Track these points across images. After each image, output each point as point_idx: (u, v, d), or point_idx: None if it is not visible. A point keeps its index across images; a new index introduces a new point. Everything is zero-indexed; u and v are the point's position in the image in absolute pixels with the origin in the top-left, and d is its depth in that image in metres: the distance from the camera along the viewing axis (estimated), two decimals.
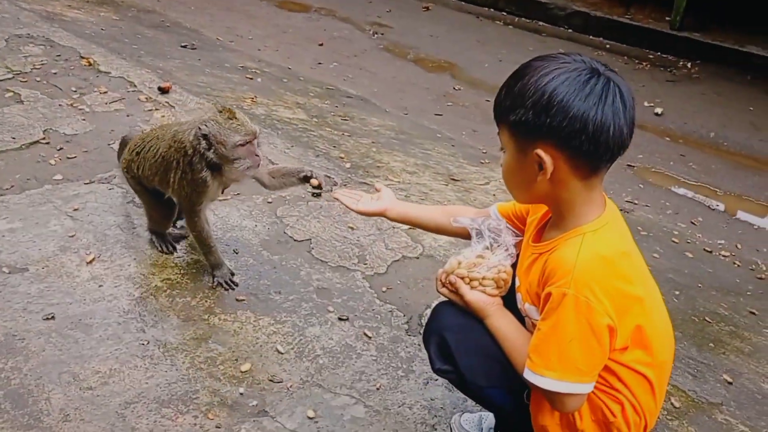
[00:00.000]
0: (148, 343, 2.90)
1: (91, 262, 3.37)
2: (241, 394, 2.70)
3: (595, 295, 1.88)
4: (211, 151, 3.03)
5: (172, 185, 3.18)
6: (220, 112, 3.05)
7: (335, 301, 3.24)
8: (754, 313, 3.69)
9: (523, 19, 9.60)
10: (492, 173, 5.02)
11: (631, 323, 1.95)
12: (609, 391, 2.04)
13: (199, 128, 3.02)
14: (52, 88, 5.14)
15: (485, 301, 2.20)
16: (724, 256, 4.54)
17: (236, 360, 2.84)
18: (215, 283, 3.21)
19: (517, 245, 2.27)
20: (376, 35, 8.68)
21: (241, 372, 2.80)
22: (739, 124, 6.82)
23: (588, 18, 9.03)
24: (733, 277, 4.15)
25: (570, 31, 9.19)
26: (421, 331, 2.44)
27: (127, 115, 4.86)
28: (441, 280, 2.27)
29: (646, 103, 7.00)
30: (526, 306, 2.14)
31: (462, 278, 2.22)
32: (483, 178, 4.98)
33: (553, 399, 2.01)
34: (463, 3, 10.09)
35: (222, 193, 3.41)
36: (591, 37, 9.05)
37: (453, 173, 4.89)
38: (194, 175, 3.08)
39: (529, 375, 1.99)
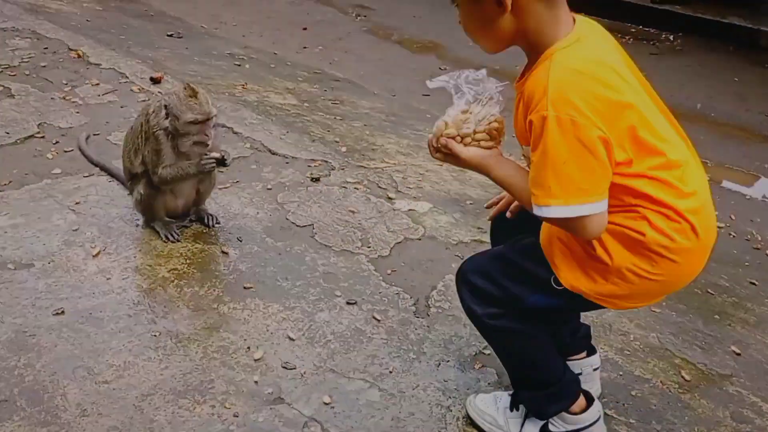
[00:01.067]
0: (159, 334, 2.88)
1: (97, 255, 3.34)
2: (256, 382, 2.68)
3: (577, 109, 1.81)
4: (167, 120, 3.21)
5: (138, 147, 3.36)
6: (185, 88, 3.19)
7: (342, 285, 3.23)
8: (754, 284, 3.71)
9: None
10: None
11: (623, 127, 1.87)
12: (626, 211, 1.95)
13: (164, 99, 3.22)
14: (43, 81, 5.08)
15: (483, 155, 2.09)
16: (719, 227, 4.54)
17: (248, 348, 2.82)
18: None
19: (502, 93, 2.16)
20: (359, 17, 8.64)
21: (254, 360, 2.78)
22: (725, 95, 6.84)
23: None
24: (730, 249, 4.18)
25: None
26: (429, 312, 2.60)
27: (121, 107, 4.81)
28: (433, 146, 2.15)
29: None
30: (524, 149, 2.08)
31: (452, 138, 2.09)
32: None
33: (570, 227, 1.94)
34: None
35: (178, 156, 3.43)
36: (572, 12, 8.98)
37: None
38: (150, 130, 3.26)
39: (536, 210, 1.92)
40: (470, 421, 2.51)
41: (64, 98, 4.84)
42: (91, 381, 2.66)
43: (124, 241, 3.45)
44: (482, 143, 2.09)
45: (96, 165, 4.02)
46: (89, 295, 3.08)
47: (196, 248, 3.44)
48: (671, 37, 8.33)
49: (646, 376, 2.86)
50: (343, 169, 4.25)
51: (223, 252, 3.41)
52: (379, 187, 4.09)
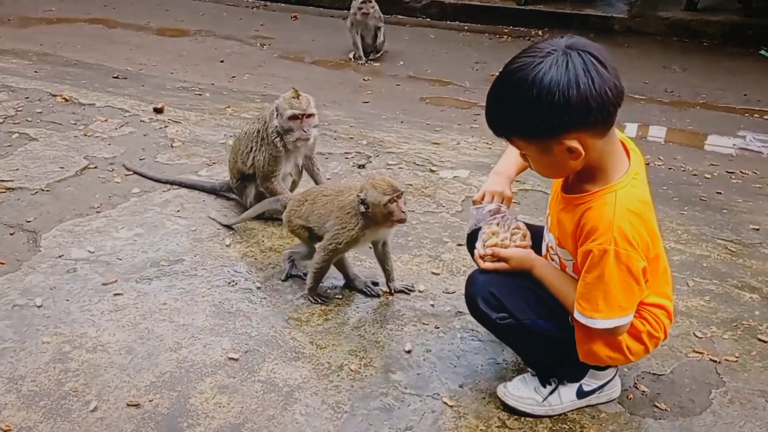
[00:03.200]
0: (333, 287, 3.45)
1: (229, 245, 3.82)
2: (432, 305, 3.33)
3: (632, 246, 2.15)
4: (276, 119, 3.76)
5: (254, 154, 3.87)
6: (292, 90, 3.80)
7: (443, 234, 3.93)
8: (720, 193, 4.76)
9: (383, 15, 10.43)
10: (453, 136, 5.81)
11: (654, 253, 2.30)
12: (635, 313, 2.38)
13: (276, 102, 3.78)
14: (51, 124, 5.35)
15: (527, 253, 2.51)
16: (658, 164, 5.66)
17: (414, 283, 3.46)
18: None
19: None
20: (264, 47, 9.21)
21: (420, 291, 3.43)
22: None
23: (443, 6, 10.08)
24: (679, 177, 5.24)
25: (428, 19, 10.17)
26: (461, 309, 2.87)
27: (144, 135, 5.20)
28: (482, 257, 2.55)
29: None
30: (558, 249, 2.46)
31: (495, 245, 2.53)
32: (451, 141, 5.76)
33: (605, 332, 2.34)
34: (322, 9, 10.81)
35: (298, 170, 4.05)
36: (448, 22, 10.09)
37: (432, 139, 5.65)
38: (269, 138, 3.80)
39: (580, 318, 2.30)
40: (509, 408, 2.73)
41: (85, 135, 5.15)
42: (306, 325, 3.21)
43: (243, 232, 3.94)
44: (518, 242, 2.56)
45: (166, 182, 4.43)
46: (249, 272, 3.59)
47: None
48: (540, 33, 9.59)
49: (705, 253, 3.79)
50: (377, 156, 4.92)
51: None
52: (416, 164, 4.82)
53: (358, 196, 3.14)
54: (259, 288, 3.44)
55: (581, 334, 2.45)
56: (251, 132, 3.94)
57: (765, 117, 6.97)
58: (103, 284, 3.43)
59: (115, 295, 3.35)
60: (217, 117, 5.68)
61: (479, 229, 2.70)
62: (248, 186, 4.00)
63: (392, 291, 3.42)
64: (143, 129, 5.29)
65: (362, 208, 3.12)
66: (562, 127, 2.10)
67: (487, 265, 2.56)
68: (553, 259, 2.57)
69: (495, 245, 2.57)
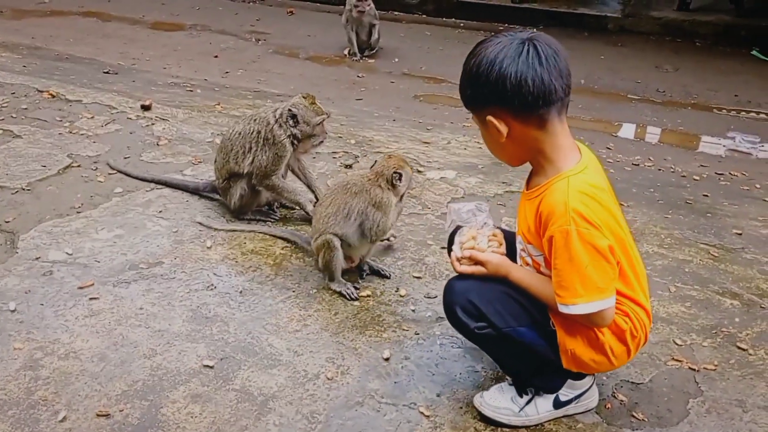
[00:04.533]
0: (316, 291, 3.38)
1: (210, 247, 3.74)
2: (413, 310, 3.26)
3: (592, 224, 2.17)
4: (297, 127, 3.72)
5: (254, 154, 3.82)
6: (305, 98, 3.77)
7: (427, 236, 3.85)
8: (706, 195, 4.69)
9: (379, 11, 10.32)
10: (444, 135, 5.73)
11: (617, 241, 2.27)
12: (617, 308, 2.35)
13: (290, 109, 3.73)
14: (37, 121, 5.26)
15: (503, 259, 2.48)
16: (648, 166, 5.57)
17: (397, 289, 3.39)
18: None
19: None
20: (260, 42, 9.12)
21: (401, 296, 3.36)
22: (600, 70, 8.02)
23: (439, 2, 9.97)
24: (668, 178, 5.17)
25: (424, 16, 10.07)
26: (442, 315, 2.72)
27: (130, 132, 5.11)
28: (458, 260, 2.53)
29: None
30: (528, 246, 2.44)
31: (472, 249, 2.52)
32: (442, 140, 5.68)
33: (590, 320, 2.29)
34: (319, 4, 10.70)
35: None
36: (444, 19, 9.99)
37: (423, 138, 5.57)
38: (275, 140, 3.77)
39: (563, 308, 2.27)
40: (486, 419, 2.65)
41: (70, 132, 5.06)
42: (284, 331, 3.13)
43: (226, 233, 3.86)
44: (495, 250, 2.52)
45: (151, 181, 4.35)
46: (229, 275, 3.51)
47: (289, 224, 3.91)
48: (535, 30, 9.44)
49: (687, 258, 3.71)
50: (365, 156, 4.84)
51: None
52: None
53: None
54: (238, 292, 3.36)
55: (564, 335, 2.41)
56: (248, 132, 3.85)
57: (755, 118, 6.88)
58: (79, 288, 3.34)
59: (91, 299, 3.27)
60: (206, 114, 5.59)
61: (457, 228, 2.66)
62: (233, 186, 3.93)
63: (367, 271, 3.52)
64: (130, 126, 5.20)
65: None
66: (483, 98, 2.25)
67: (464, 268, 2.52)
68: (528, 264, 2.51)
69: (472, 248, 2.52)
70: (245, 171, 3.87)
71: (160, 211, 4.04)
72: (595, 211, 2.20)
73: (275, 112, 3.81)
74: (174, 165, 4.62)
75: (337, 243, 3.29)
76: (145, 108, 5.49)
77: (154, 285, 3.40)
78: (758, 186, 5.20)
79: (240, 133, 3.88)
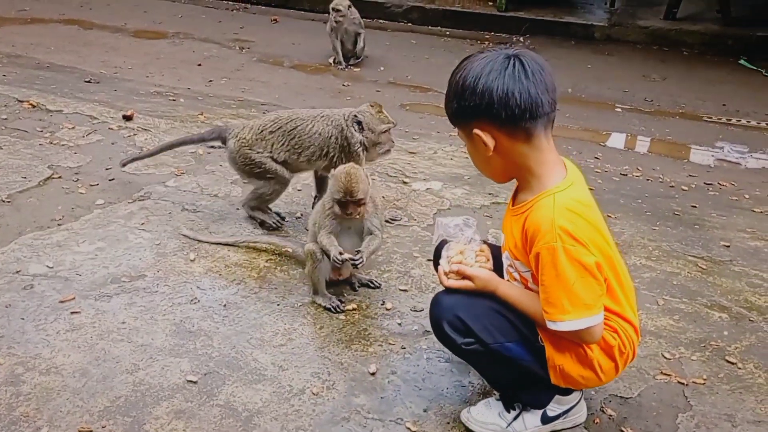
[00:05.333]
0: (300, 305, 3.39)
1: (194, 260, 3.74)
2: (399, 324, 3.27)
3: (578, 242, 2.19)
4: (362, 134, 3.78)
5: (330, 159, 3.81)
6: (372, 106, 3.84)
7: (413, 249, 3.87)
8: (695, 206, 4.73)
9: (364, 19, 10.35)
10: (430, 144, 5.76)
11: (604, 258, 2.28)
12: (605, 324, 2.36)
13: (355, 115, 3.83)
14: (17, 131, 5.25)
15: (489, 275, 2.49)
16: (636, 176, 5.62)
17: (383, 302, 3.40)
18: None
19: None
20: (243, 50, 9.12)
21: (387, 309, 3.37)
22: (587, 79, 8.09)
23: (425, 11, 10.02)
24: (656, 189, 5.21)
25: (410, 24, 10.12)
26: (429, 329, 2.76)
27: (112, 143, 5.11)
28: (446, 275, 2.53)
29: None
30: (515, 262, 2.45)
31: (461, 263, 2.52)
32: (428, 150, 5.71)
33: (579, 336, 2.31)
34: (303, 12, 10.73)
35: None
36: (430, 27, 10.04)
37: (409, 147, 5.59)
38: (351, 148, 3.83)
39: (551, 325, 2.28)
40: None
41: (51, 143, 5.06)
42: (269, 345, 3.13)
43: (207, 246, 3.86)
44: (482, 265, 2.52)
45: (159, 151, 4.30)
46: (212, 288, 3.51)
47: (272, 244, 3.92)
48: (521, 39, 9.55)
49: (676, 271, 3.74)
50: None
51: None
52: (389, 175, 4.76)
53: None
54: (222, 306, 3.36)
55: (553, 351, 2.42)
56: (327, 136, 3.87)
57: (743, 127, 6.95)
58: (61, 302, 3.34)
59: (73, 313, 3.27)
60: (188, 125, 5.60)
61: (443, 242, 2.67)
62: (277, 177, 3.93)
63: (356, 285, 3.52)
64: (111, 137, 5.20)
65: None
66: (470, 112, 2.28)
67: (451, 282, 2.52)
68: (515, 279, 2.53)
69: (460, 263, 2.53)
70: (312, 170, 3.98)
71: (143, 223, 4.04)
72: (581, 228, 2.23)
73: (345, 118, 3.85)
74: (156, 176, 4.62)
75: (320, 255, 3.30)
76: (127, 118, 5.49)
77: (136, 298, 3.40)
78: (747, 196, 5.25)
79: (319, 134, 3.88)
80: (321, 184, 4.06)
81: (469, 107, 2.28)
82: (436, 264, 2.72)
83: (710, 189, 5.43)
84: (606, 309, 2.35)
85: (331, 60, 8.59)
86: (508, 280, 2.56)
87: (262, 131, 3.90)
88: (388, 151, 3.98)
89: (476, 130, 2.30)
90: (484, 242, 2.69)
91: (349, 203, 3.18)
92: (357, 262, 3.22)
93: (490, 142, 2.29)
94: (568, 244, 2.19)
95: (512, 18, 9.60)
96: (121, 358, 3.00)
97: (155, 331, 3.19)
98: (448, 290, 2.55)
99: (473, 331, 2.46)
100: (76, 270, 3.58)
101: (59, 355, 3.00)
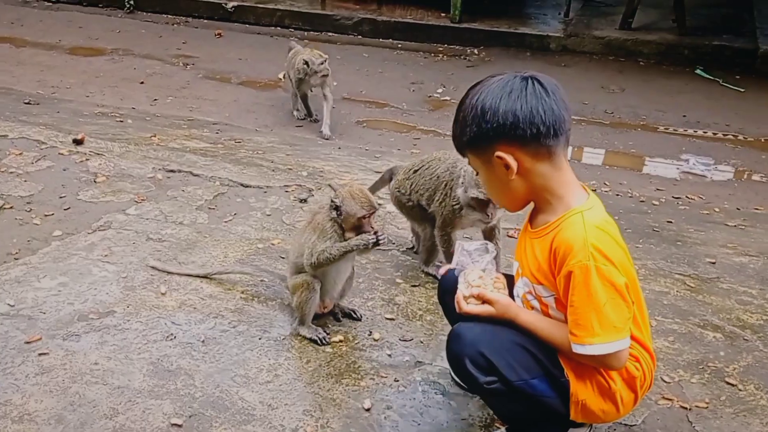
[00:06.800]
0: (282, 338, 3.36)
1: (165, 293, 3.67)
2: (389, 355, 3.26)
3: (610, 261, 2.20)
4: (460, 189, 3.54)
5: (438, 202, 3.70)
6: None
7: (395, 273, 3.88)
8: (671, 222, 4.84)
9: (312, 32, 10.38)
10: (394, 162, 5.71)
11: (630, 280, 2.30)
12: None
13: (459, 168, 3.57)
14: None
15: (509, 301, 2.48)
16: (605, 191, 5.73)
17: (370, 332, 3.39)
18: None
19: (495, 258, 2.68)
20: (188, 66, 9.03)
21: (375, 340, 3.36)
22: None
23: (376, 23, 10.07)
24: (627, 204, 5.32)
25: (360, 37, 10.16)
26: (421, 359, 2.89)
27: (63, 169, 4.99)
28: (465, 299, 2.49)
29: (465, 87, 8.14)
30: (536, 287, 2.43)
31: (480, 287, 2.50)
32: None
33: (605, 362, 2.30)
34: (248, 25, 10.67)
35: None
36: (381, 40, 10.09)
37: (374, 167, 5.60)
38: (452, 200, 3.61)
39: (577, 348, 2.27)
40: None
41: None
42: (255, 383, 3.08)
43: (179, 278, 3.79)
44: (500, 291, 2.50)
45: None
46: (188, 323, 3.44)
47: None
48: (476, 51, 9.67)
49: (664, 290, 3.82)
50: (320, 188, 4.83)
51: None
52: None
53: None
54: (201, 342, 3.30)
55: (577, 384, 2.40)
56: (444, 177, 3.71)
57: (706, 138, 7.15)
58: (26, 342, 3.23)
59: (41, 354, 3.16)
60: (144, 148, 5.50)
61: (454, 269, 2.66)
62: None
63: (339, 316, 3.50)
64: (62, 163, 5.08)
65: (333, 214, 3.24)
66: (491, 135, 2.28)
67: (471, 308, 2.48)
68: (532, 308, 2.51)
69: (480, 286, 2.50)
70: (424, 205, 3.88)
71: (106, 255, 3.94)
72: (611, 247, 2.25)
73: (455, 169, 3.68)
74: (115, 204, 4.53)
75: (317, 285, 3.27)
76: (78, 142, 5.37)
77: (107, 337, 3.31)
78: (717, 209, 5.40)
79: (430, 170, 3.84)
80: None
81: (491, 129, 2.28)
82: (446, 289, 2.71)
83: (680, 202, 5.56)
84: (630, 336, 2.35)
85: (295, 114, 7.45)
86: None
87: (409, 170, 3.91)
88: (482, 221, 3.62)
89: (499, 153, 2.30)
90: (500, 273, 2.66)
91: (374, 214, 3.21)
92: (381, 238, 3.22)
93: (514, 163, 2.30)
94: (600, 263, 2.21)
95: (466, 29, 9.72)
96: (97, 402, 2.92)
97: (131, 371, 3.10)
98: (467, 323, 2.50)
99: (497, 368, 2.40)
100: (39, 308, 3.48)
101: (31, 401, 2.90)
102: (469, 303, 2.49)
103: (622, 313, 2.26)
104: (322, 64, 6.85)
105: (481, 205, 3.44)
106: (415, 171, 3.84)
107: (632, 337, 2.37)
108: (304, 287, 3.29)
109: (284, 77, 7.41)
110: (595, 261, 2.21)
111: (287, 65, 7.36)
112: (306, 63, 6.84)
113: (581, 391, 2.41)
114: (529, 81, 2.29)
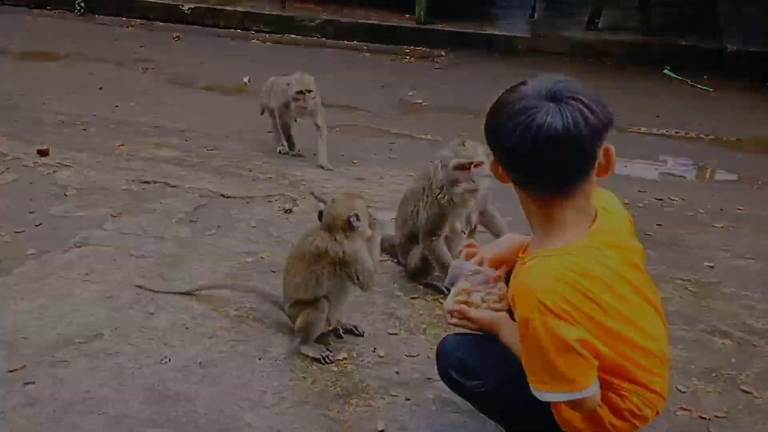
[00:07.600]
0: (283, 357, 3.26)
1: (154, 313, 3.54)
2: (397, 372, 3.18)
3: (556, 315, 2.06)
4: (440, 172, 3.60)
5: (418, 212, 3.74)
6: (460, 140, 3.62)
7: (393, 285, 3.87)
8: (660, 225, 4.84)
9: (274, 34, 10.24)
10: (374, 168, 5.70)
11: (602, 331, 2.14)
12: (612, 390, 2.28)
13: (439, 153, 3.64)
14: None
15: (493, 316, 2.43)
16: None
17: (374, 349, 3.31)
18: None
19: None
20: (147, 70, 8.80)
21: (380, 357, 3.28)
22: None
23: (340, 25, 9.97)
24: None
25: (324, 39, 10.04)
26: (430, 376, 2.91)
27: (30, 183, 4.84)
28: (450, 313, 2.49)
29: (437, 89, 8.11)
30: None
31: (464, 303, 2.48)
32: (373, 174, 5.64)
33: (567, 405, 2.22)
34: (207, 28, 10.47)
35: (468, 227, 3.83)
36: (346, 41, 9.99)
37: (353, 173, 5.51)
38: (432, 195, 3.68)
39: (533, 390, 2.19)
40: None
41: None
42: (260, 407, 2.98)
43: (167, 297, 3.66)
44: (492, 305, 2.47)
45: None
46: (182, 345, 3.32)
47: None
48: (443, 53, 9.61)
49: (668, 296, 3.80)
50: (303, 197, 4.73)
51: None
52: None
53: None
54: (198, 364, 3.18)
55: (554, 403, 2.30)
56: (417, 189, 3.80)
57: (681, 138, 7.21)
58: (10, 371, 3.09)
59: (26, 384, 3.03)
60: (113, 157, 5.34)
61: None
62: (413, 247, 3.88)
63: (341, 332, 3.43)
64: (28, 176, 4.90)
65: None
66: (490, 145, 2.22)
67: (454, 321, 2.49)
68: None
69: (465, 302, 2.48)
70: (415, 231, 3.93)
71: (87, 274, 3.80)
72: (566, 299, 2.08)
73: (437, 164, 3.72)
74: (90, 218, 4.38)
75: (325, 306, 3.17)
76: (42, 153, 5.19)
77: (97, 362, 3.18)
78: (701, 211, 5.40)
79: (412, 191, 3.97)
80: None
81: (488, 140, 2.26)
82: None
83: (663, 204, 5.56)
84: (610, 381, 2.25)
85: (279, 149, 6.27)
86: None
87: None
88: (468, 191, 3.62)
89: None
90: (502, 284, 2.59)
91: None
92: None
93: (497, 170, 2.28)
94: (545, 316, 2.07)
95: (432, 30, 9.66)
96: None
97: (127, 399, 2.98)
98: (455, 332, 2.56)
99: (478, 373, 2.43)
100: (20, 333, 3.33)
101: None
102: (454, 317, 2.49)
103: (575, 366, 2.12)
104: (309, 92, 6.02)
105: (464, 171, 3.49)
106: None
107: (627, 379, 2.28)
108: (311, 308, 3.18)
109: (262, 112, 6.84)
110: (540, 314, 2.08)
111: (263, 96, 6.84)
112: (298, 92, 6.08)
113: (565, 410, 2.30)
114: (546, 118, 2.15)
